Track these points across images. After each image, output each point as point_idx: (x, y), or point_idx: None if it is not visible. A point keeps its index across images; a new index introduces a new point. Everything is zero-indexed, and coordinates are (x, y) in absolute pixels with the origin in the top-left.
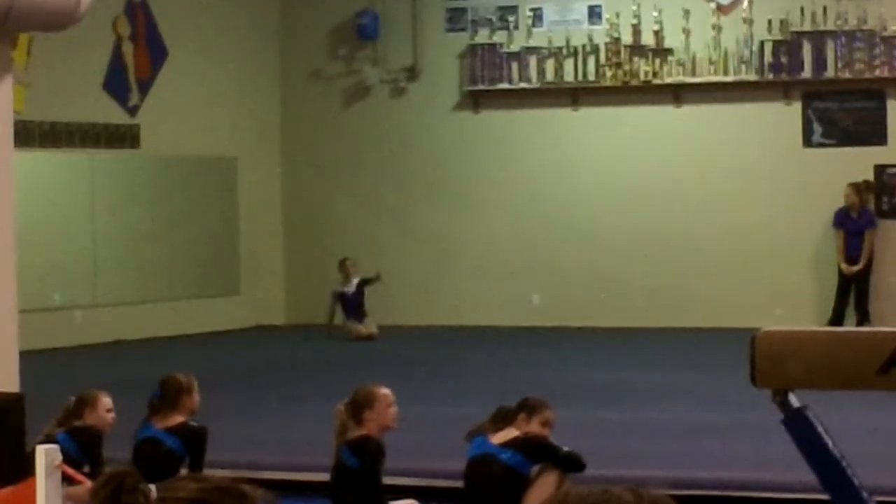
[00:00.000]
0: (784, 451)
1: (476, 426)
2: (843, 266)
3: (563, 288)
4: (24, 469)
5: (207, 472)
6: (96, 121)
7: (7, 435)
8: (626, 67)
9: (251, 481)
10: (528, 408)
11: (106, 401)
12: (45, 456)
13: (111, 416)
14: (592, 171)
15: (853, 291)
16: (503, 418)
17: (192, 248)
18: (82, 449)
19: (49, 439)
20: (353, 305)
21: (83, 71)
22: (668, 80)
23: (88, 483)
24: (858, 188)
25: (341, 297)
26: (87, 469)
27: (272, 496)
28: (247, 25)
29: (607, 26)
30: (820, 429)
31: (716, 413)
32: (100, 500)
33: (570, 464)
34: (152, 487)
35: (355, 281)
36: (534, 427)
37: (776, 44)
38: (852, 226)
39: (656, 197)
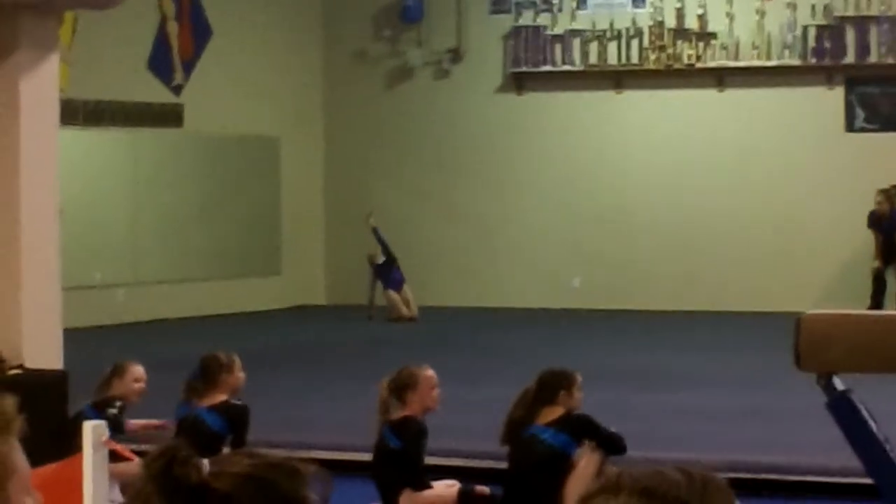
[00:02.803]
0: (826, 434)
1: (511, 421)
2: (877, 263)
3: (604, 271)
4: (67, 445)
5: None
6: (140, 100)
7: (50, 411)
8: (670, 51)
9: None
10: (565, 383)
11: (136, 370)
12: (92, 432)
13: (139, 385)
14: (635, 154)
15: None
16: (541, 401)
17: (233, 227)
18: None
19: (79, 415)
20: (386, 273)
21: (127, 50)
22: (712, 64)
23: (136, 459)
24: (888, 195)
25: (377, 270)
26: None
27: (325, 473)
28: (291, 6)
29: (651, 9)
30: (864, 412)
31: (757, 396)
32: (152, 474)
33: (611, 445)
34: (205, 462)
35: (379, 251)
36: (576, 396)
37: (819, 28)
38: (884, 228)
39: (698, 180)
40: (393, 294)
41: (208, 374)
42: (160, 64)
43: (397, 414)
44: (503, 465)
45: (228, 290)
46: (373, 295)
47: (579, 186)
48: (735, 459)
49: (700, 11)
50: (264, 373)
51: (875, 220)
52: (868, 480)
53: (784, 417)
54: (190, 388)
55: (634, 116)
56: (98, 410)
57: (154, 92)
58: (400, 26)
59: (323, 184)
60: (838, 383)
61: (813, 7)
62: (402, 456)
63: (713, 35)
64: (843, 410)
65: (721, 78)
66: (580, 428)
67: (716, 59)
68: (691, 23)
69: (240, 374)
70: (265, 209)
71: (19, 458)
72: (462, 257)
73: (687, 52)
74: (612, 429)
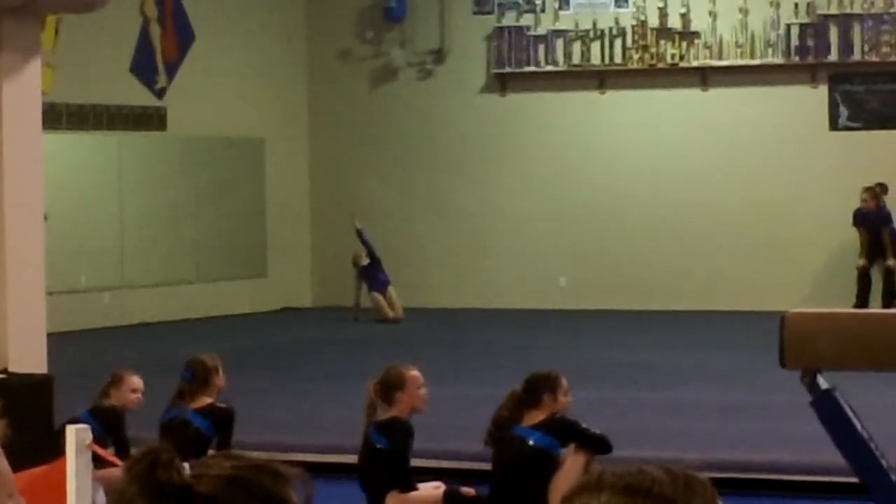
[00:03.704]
0: (811, 432)
1: (496, 422)
2: (862, 261)
3: (590, 270)
4: (52, 449)
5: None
6: (123, 103)
7: (36, 415)
8: (653, 50)
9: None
10: (549, 386)
11: (133, 380)
12: (76, 435)
13: (135, 396)
14: (619, 154)
15: (882, 286)
16: (526, 403)
17: (219, 229)
18: (104, 429)
19: (73, 420)
20: (371, 274)
21: (111, 53)
22: (695, 63)
23: (119, 463)
24: (874, 192)
25: (362, 271)
26: (110, 450)
27: (307, 475)
28: (274, 8)
29: (634, 9)
30: (848, 410)
31: (743, 394)
32: (134, 477)
33: (597, 445)
34: (186, 465)
35: (364, 252)
36: (560, 400)
37: (803, 27)
38: (870, 226)
39: (683, 180)
40: (378, 296)
41: (198, 376)
42: (143, 67)
43: (384, 415)
44: (489, 466)
45: (214, 293)
46: (358, 297)
47: (564, 187)
48: (722, 457)
49: (683, 10)
50: (251, 375)
51: (860, 218)
52: (853, 478)
53: (770, 415)
54: (181, 392)
55: (618, 116)
56: (95, 417)
57: (137, 95)
58: (383, 27)
59: (308, 185)
60: (822, 381)
61: (796, 5)
62: (389, 456)
63: (696, 34)
64: (828, 408)
65: (705, 77)
66: (565, 431)
67: (699, 59)
68: (674, 22)
69: (222, 377)
70: (250, 211)
71: (2, 462)
72: (448, 258)
73: (670, 51)
74: (596, 430)
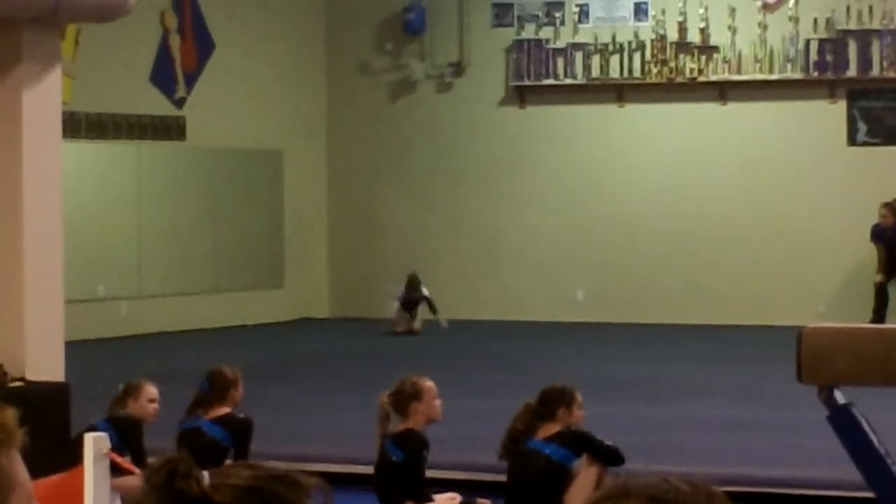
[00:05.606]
0: (826, 447)
1: (510, 434)
2: (879, 276)
3: (608, 284)
4: (69, 457)
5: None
6: (143, 112)
7: (52, 423)
8: (672, 64)
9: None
10: (565, 399)
11: (150, 390)
12: (94, 443)
13: (153, 406)
14: (637, 167)
15: None
16: (540, 416)
17: (237, 240)
18: (121, 438)
19: (91, 429)
20: (408, 302)
21: (130, 63)
22: (714, 78)
23: (136, 471)
24: (892, 208)
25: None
26: (127, 458)
27: (326, 485)
28: (293, 19)
29: (653, 23)
30: (865, 425)
31: (758, 409)
32: (152, 486)
33: (610, 457)
34: (205, 474)
35: (424, 291)
36: (575, 414)
37: (822, 42)
38: (888, 242)
39: (701, 194)
40: (400, 310)
41: (216, 388)
42: (163, 77)
43: (398, 426)
44: (504, 477)
45: (232, 303)
46: (398, 316)
47: (582, 200)
48: (736, 472)
49: (702, 25)
50: (267, 385)
51: (878, 234)
52: (869, 494)
53: (785, 430)
54: (197, 402)
55: (637, 130)
56: (112, 426)
57: (157, 105)
58: (402, 39)
59: (326, 197)
60: (839, 396)
61: (815, 21)
62: (404, 468)
63: (715, 49)
64: (844, 423)
65: (723, 91)
66: (579, 443)
67: (718, 73)
68: (693, 36)
69: (240, 389)
70: (269, 222)
71: (21, 470)
72: (466, 270)
73: (689, 65)
74: (609, 442)
